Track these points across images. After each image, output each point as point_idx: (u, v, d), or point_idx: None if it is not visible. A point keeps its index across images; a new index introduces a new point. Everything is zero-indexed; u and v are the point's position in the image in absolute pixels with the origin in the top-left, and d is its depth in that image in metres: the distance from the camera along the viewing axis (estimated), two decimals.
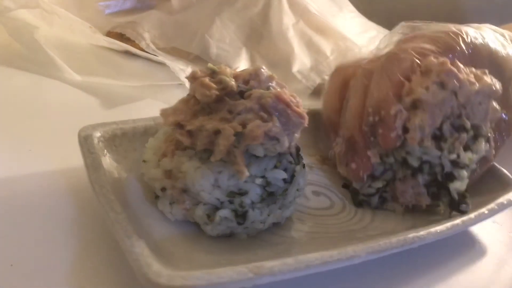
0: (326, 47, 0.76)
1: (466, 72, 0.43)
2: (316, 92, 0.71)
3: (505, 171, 0.53)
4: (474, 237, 0.48)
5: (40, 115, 0.52)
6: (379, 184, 0.45)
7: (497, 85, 0.44)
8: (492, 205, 0.45)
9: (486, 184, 0.51)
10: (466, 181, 0.44)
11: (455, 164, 0.42)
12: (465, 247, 0.47)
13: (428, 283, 0.41)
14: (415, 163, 0.43)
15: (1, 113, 0.50)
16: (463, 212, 0.44)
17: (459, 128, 0.43)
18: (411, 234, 0.38)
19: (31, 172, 0.42)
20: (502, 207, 0.46)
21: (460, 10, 0.62)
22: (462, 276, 0.43)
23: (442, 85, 0.41)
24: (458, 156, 0.42)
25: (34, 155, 0.44)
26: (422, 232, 0.39)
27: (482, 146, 0.44)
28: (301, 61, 0.73)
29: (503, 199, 0.47)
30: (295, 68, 0.71)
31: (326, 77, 0.71)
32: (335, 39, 0.78)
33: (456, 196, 0.43)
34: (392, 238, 0.37)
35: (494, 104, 0.45)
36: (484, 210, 0.44)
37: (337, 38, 0.78)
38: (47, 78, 0.57)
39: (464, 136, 0.42)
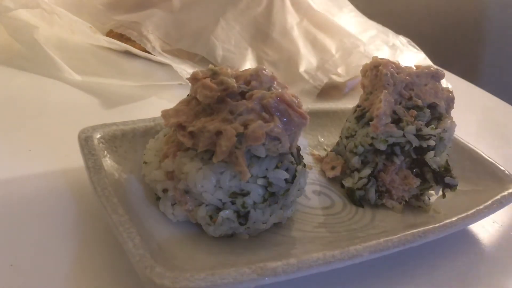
0: (331, 45, 0.76)
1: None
2: (323, 91, 0.71)
3: (503, 169, 0.53)
4: (474, 235, 0.48)
5: (40, 115, 0.52)
6: (367, 171, 0.48)
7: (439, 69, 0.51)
8: (490, 203, 0.46)
9: (485, 182, 0.52)
10: (443, 154, 0.48)
11: (421, 137, 0.46)
12: (465, 246, 0.47)
13: (428, 281, 0.41)
14: (382, 147, 0.47)
15: (1, 113, 0.50)
16: (450, 186, 0.47)
17: (414, 108, 0.48)
18: (412, 233, 0.38)
19: (31, 172, 0.42)
20: (500, 205, 0.46)
21: (459, 10, 0.62)
22: (462, 274, 0.43)
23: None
24: (420, 130, 0.46)
25: (34, 155, 0.44)
26: (423, 231, 0.39)
27: (447, 123, 0.48)
28: (307, 60, 0.73)
29: (501, 197, 0.47)
30: (302, 68, 0.71)
31: (333, 76, 0.71)
32: (340, 36, 0.78)
33: (436, 167, 0.47)
34: (393, 237, 0.37)
35: (444, 85, 0.51)
36: (482, 208, 0.45)
37: (342, 35, 0.78)
38: (47, 78, 0.57)
39: (420, 112, 0.47)
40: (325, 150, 0.55)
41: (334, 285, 0.38)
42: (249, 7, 0.74)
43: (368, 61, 0.52)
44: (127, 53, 0.67)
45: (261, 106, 0.36)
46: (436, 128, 0.47)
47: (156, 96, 0.61)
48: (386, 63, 0.49)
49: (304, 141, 0.55)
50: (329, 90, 0.72)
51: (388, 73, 0.48)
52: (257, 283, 0.30)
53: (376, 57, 0.51)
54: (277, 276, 0.30)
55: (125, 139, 0.42)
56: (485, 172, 0.53)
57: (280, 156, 0.37)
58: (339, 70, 0.75)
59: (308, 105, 0.47)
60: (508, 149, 0.53)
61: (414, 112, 0.47)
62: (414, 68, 0.51)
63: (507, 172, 0.53)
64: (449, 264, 0.43)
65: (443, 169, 0.47)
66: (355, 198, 0.47)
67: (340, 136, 0.53)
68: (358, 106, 0.52)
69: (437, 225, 0.40)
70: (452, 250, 0.45)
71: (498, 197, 0.47)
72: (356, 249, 0.34)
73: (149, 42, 0.67)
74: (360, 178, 0.48)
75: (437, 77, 0.51)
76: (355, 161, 0.49)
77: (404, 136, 0.46)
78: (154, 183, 0.38)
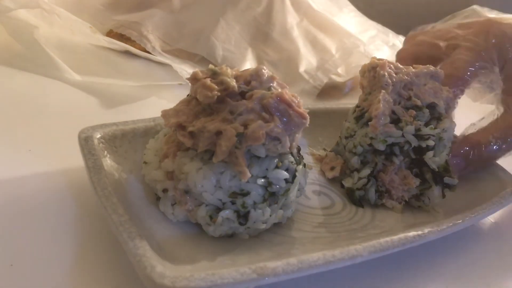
0: (331, 45, 0.76)
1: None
2: (323, 91, 0.71)
3: (504, 168, 0.53)
4: (474, 235, 0.48)
5: (40, 115, 0.52)
6: (367, 171, 0.48)
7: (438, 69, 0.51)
8: (490, 203, 0.46)
9: (485, 182, 0.52)
10: (442, 154, 0.47)
11: (420, 137, 0.46)
12: (465, 246, 0.47)
13: (428, 281, 0.41)
14: (381, 147, 0.47)
15: (1, 113, 0.50)
16: (449, 186, 0.47)
17: (413, 108, 0.48)
18: (412, 233, 0.38)
19: (31, 172, 0.42)
20: (500, 205, 0.46)
21: (459, 10, 0.62)
22: (462, 274, 0.43)
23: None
24: (420, 130, 0.46)
25: (34, 156, 0.44)
26: (423, 231, 0.39)
27: (446, 122, 0.48)
28: (307, 60, 0.73)
29: (501, 197, 0.47)
30: (302, 68, 0.71)
31: (333, 76, 0.71)
32: (339, 37, 0.78)
33: (435, 167, 0.46)
34: (393, 237, 0.37)
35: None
36: (482, 208, 0.45)
37: (342, 35, 0.78)
38: (47, 78, 0.57)
39: (419, 112, 0.47)
40: (325, 150, 0.55)
41: (334, 285, 0.38)
42: (249, 7, 0.74)
43: (368, 61, 0.52)
44: (127, 53, 0.67)
45: (261, 106, 0.36)
46: (435, 128, 0.47)
47: (156, 96, 0.61)
48: (383, 64, 0.49)
49: (304, 141, 0.55)
50: (329, 90, 0.72)
51: (386, 74, 0.48)
52: (257, 283, 0.30)
53: (374, 57, 0.51)
54: (277, 276, 0.30)
55: (125, 139, 0.42)
56: (485, 172, 0.53)
57: (280, 156, 0.37)
58: (339, 70, 0.75)
59: (308, 105, 0.47)
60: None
61: (413, 112, 0.47)
62: (413, 68, 0.51)
63: (507, 172, 0.53)
64: (449, 264, 0.43)
65: (442, 169, 0.47)
66: (355, 198, 0.47)
67: (339, 136, 0.53)
68: (357, 106, 0.52)
69: (437, 225, 0.40)
70: (452, 250, 0.45)
71: (498, 197, 0.47)
72: (356, 249, 0.34)
73: (149, 42, 0.67)
74: (360, 178, 0.48)
75: (436, 77, 0.51)
76: (355, 161, 0.49)
77: (403, 136, 0.46)
78: (154, 183, 0.38)
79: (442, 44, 0.56)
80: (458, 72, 0.52)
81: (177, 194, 0.36)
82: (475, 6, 0.60)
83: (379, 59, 0.50)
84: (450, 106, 0.50)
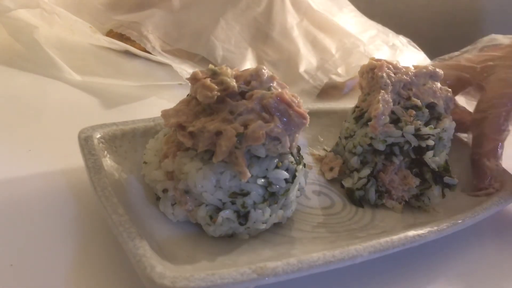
0: (331, 45, 0.76)
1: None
2: (323, 91, 0.71)
3: (504, 168, 0.53)
4: (474, 235, 0.48)
5: (40, 115, 0.52)
6: (367, 171, 0.48)
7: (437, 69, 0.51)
8: (490, 203, 0.46)
9: None
10: (442, 154, 0.47)
11: (420, 137, 0.46)
12: (465, 246, 0.47)
13: (428, 281, 0.41)
14: (381, 147, 0.47)
15: (1, 113, 0.50)
16: (449, 186, 0.47)
17: (413, 108, 0.48)
18: (412, 233, 0.38)
19: (31, 172, 0.42)
20: (500, 205, 0.46)
21: (459, 11, 0.62)
22: (462, 274, 0.43)
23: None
24: (419, 129, 0.46)
25: (34, 156, 0.44)
26: (423, 231, 0.39)
27: (446, 122, 0.48)
28: (308, 60, 0.73)
29: (501, 197, 0.47)
30: (302, 68, 0.71)
31: (333, 76, 0.71)
32: (339, 37, 0.78)
33: (435, 167, 0.46)
34: (393, 237, 0.37)
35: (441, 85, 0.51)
36: (482, 208, 0.45)
37: (342, 36, 0.78)
38: (47, 78, 0.57)
39: (419, 112, 0.47)
40: (325, 150, 0.55)
41: (334, 285, 0.38)
42: (249, 7, 0.74)
43: (368, 61, 0.52)
44: (127, 53, 0.67)
45: (261, 106, 0.36)
46: (435, 128, 0.47)
47: (156, 96, 0.61)
48: (381, 65, 0.49)
49: (304, 141, 0.55)
50: (329, 90, 0.72)
51: (384, 75, 0.48)
52: (257, 283, 0.30)
53: (372, 58, 0.51)
54: (277, 276, 0.30)
55: (125, 139, 0.42)
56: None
57: (280, 156, 0.37)
58: (339, 70, 0.75)
59: (308, 105, 0.47)
60: (508, 148, 0.53)
61: (413, 112, 0.47)
62: (412, 68, 0.51)
63: (507, 171, 0.53)
64: (448, 264, 0.43)
65: (442, 169, 0.47)
66: (355, 198, 0.47)
67: (339, 137, 0.53)
68: (356, 106, 0.52)
69: (437, 225, 0.40)
70: (452, 250, 0.45)
71: (498, 197, 0.47)
72: (356, 249, 0.34)
73: (149, 42, 0.67)
74: (360, 178, 0.48)
75: (435, 77, 0.51)
76: (354, 161, 0.49)
77: (403, 136, 0.46)
78: (154, 183, 0.38)
79: (476, 66, 0.56)
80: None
81: (177, 194, 0.36)
82: (493, 35, 0.61)
83: (377, 60, 0.50)
84: (449, 106, 0.50)
